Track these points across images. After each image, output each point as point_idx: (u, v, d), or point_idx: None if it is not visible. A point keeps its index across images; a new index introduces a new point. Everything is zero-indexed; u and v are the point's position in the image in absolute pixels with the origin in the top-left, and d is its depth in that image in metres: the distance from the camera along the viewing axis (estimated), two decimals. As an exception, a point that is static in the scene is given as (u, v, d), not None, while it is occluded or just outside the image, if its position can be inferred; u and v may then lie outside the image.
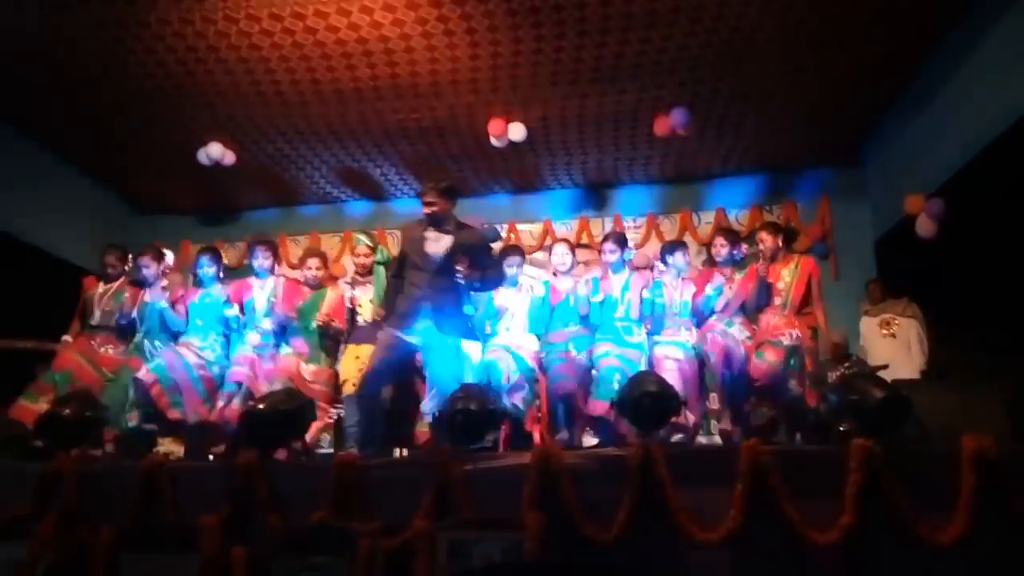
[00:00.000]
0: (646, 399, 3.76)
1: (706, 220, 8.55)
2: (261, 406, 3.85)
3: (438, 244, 4.51)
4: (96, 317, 5.56)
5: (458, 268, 4.41)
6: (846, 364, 6.13)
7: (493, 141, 7.35)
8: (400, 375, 4.90)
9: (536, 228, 8.83)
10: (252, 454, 3.55)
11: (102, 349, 5.53)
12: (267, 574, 3.24)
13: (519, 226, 8.82)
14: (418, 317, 4.40)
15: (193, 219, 9.33)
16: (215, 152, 7.46)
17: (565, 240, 6.11)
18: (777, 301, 5.19)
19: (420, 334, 4.42)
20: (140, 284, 5.69)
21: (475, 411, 3.70)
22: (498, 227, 8.72)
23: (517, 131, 7.24)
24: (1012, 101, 5.33)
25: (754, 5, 5.72)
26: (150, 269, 5.63)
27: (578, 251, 8.44)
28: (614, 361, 5.02)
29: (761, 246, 5.35)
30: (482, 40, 6.10)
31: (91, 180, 8.45)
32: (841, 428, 3.56)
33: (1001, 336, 5.20)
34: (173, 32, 5.91)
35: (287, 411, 3.85)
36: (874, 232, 8.04)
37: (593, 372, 5.18)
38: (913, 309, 6.33)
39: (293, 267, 8.73)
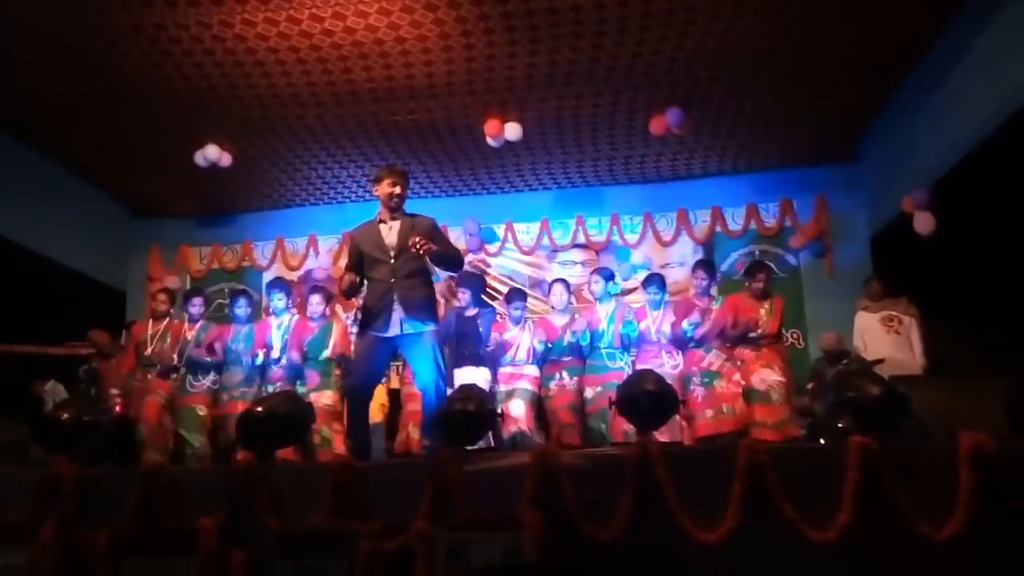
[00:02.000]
0: (644, 398, 3.76)
1: (703, 219, 8.56)
2: (259, 409, 3.85)
3: (392, 232, 4.51)
4: (148, 352, 6.25)
5: (416, 244, 4.33)
6: (844, 361, 6.15)
7: (490, 141, 7.35)
8: (382, 375, 4.94)
9: (533, 227, 8.83)
10: (250, 457, 3.56)
11: (156, 379, 6.22)
12: (266, 577, 3.24)
13: (516, 225, 8.82)
14: (391, 311, 4.35)
15: (192, 221, 9.31)
16: (212, 154, 7.45)
17: (562, 280, 6.63)
18: (752, 335, 5.77)
19: (396, 326, 4.37)
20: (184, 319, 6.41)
21: (474, 412, 3.71)
22: (494, 227, 8.76)
23: (513, 131, 7.24)
24: (1007, 96, 5.35)
25: (748, 5, 5.72)
26: (198, 309, 6.42)
27: (575, 251, 8.62)
28: (602, 402, 5.46)
29: (754, 285, 5.92)
30: (478, 43, 6.10)
31: (88, 184, 8.42)
32: (839, 425, 3.57)
33: (998, 333, 5.21)
34: (169, 37, 5.90)
35: (285, 415, 3.85)
36: (870, 229, 8.05)
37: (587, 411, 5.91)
38: (914, 309, 6.35)
39: (292, 268, 8.79)
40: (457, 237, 8.74)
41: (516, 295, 6.50)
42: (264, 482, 3.40)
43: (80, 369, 6.74)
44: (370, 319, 4.43)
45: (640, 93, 6.92)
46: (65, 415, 4.06)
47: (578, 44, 6.16)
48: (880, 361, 5.69)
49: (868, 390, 3.41)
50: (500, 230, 8.82)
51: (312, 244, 9.01)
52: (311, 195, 8.98)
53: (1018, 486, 2.93)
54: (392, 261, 4.43)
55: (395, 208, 4.55)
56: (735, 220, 8.51)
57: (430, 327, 4.45)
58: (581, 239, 8.71)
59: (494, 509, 3.15)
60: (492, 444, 5.35)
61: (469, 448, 3.66)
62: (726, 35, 6.07)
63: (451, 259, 4.73)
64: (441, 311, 6.53)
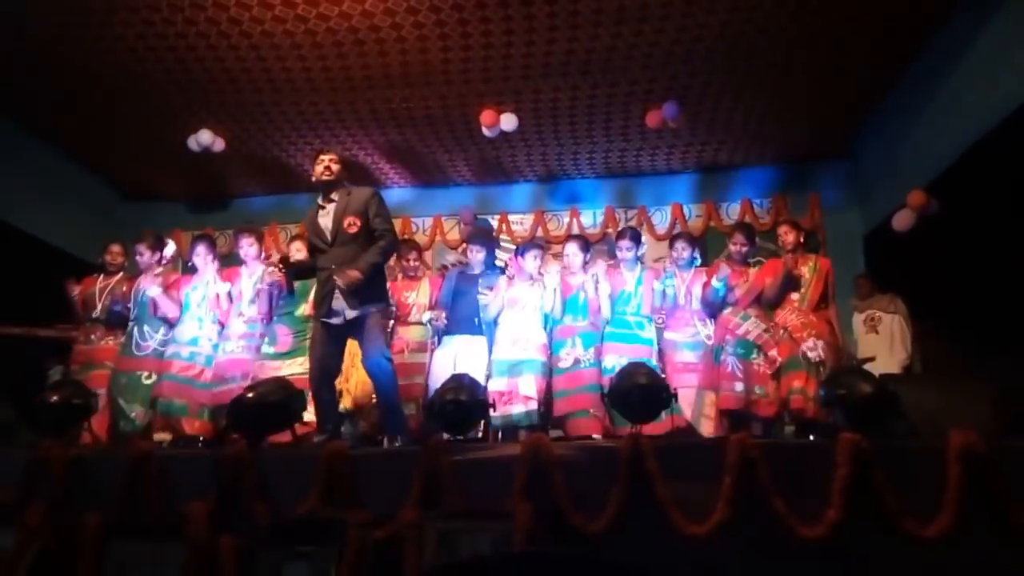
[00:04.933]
0: (636, 391, 3.78)
1: (696, 213, 8.57)
2: (250, 395, 3.85)
3: (328, 215, 4.41)
4: (98, 311, 5.66)
5: (348, 229, 4.28)
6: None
7: (485, 131, 7.32)
8: (339, 360, 4.68)
9: (527, 219, 8.82)
10: (241, 443, 3.55)
11: (102, 342, 5.64)
12: (255, 563, 3.24)
13: (510, 216, 8.81)
14: (331, 298, 4.26)
15: (184, 206, 9.26)
16: (205, 139, 7.40)
17: (578, 237, 6.13)
18: (794, 297, 5.18)
19: (339, 314, 4.29)
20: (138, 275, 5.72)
21: (465, 402, 3.72)
22: (489, 218, 8.75)
23: (509, 121, 7.22)
24: (1003, 96, 5.35)
25: (747, -1, 5.73)
26: (143, 257, 5.69)
27: (569, 243, 8.56)
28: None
29: (781, 240, 5.35)
30: (474, 31, 6.07)
31: (80, 166, 8.37)
32: (828, 422, 3.59)
33: (989, 332, 5.23)
34: (163, 18, 5.85)
35: (276, 402, 3.85)
36: (863, 227, 8.07)
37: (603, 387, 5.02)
38: (897, 304, 6.36)
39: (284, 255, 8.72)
40: (452, 227, 8.75)
41: (532, 245, 5.72)
42: (254, 469, 3.40)
43: (72, 350, 6.68)
44: (316, 306, 4.39)
45: (636, 86, 6.91)
46: (55, 397, 4.05)
47: (575, 35, 6.14)
48: (871, 359, 5.70)
49: (859, 388, 3.43)
50: (495, 220, 8.80)
51: (303, 231, 8.97)
52: (304, 182, 8.91)
53: (1005, 485, 2.95)
54: (330, 247, 4.34)
55: (328, 187, 4.43)
56: (729, 215, 8.51)
57: (375, 307, 4.36)
58: (575, 232, 8.70)
59: (484, 499, 3.15)
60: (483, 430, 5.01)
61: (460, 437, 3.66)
62: (724, 29, 6.06)
63: (378, 265, 4.41)
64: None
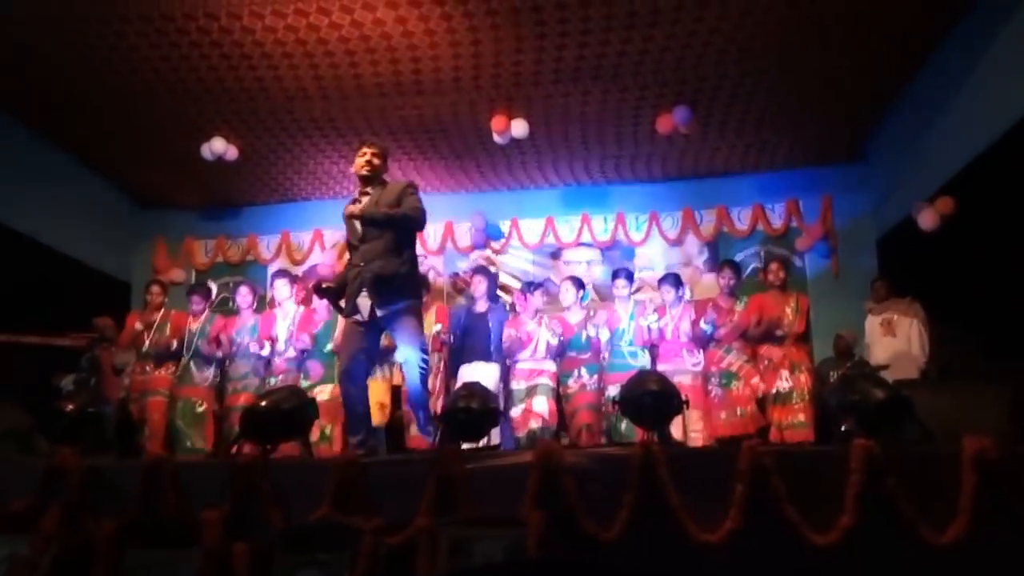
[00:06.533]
0: (647, 398, 3.77)
1: (708, 218, 8.55)
2: (263, 403, 3.86)
3: (359, 209, 4.36)
4: (146, 346, 6.47)
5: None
6: (848, 364, 6.14)
7: (496, 138, 7.34)
8: (371, 357, 4.62)
9: (538, 225, 8.81)
10: (254, 451, 3.57)
11: (156, 372, 6.43)
12: (268, 570, 3.25)
13: (521, 223, 8.82)
14: (358, 296, 4.20)
15: (197, 214, 9.31)
16: (218, 147, 7.45)
17: (572, 278, 6.65)
18: (779, 333, 5.90)
19: (366, 312, 4.23)
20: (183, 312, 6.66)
21: (476, 409, 3.72)
22: (499, 224, 8.76)
23: (520, 128, 7.23)
24: (1018, 99, 5.32)
25: (758, 3, 5.71)
26: (199, 306, 6.59)
27: (580, 249, 8.61)
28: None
29: (773, 276, 6.11)
30: (484, 38, 6.09)
31: (93, 174, 8.41)
32: (842, 428, 3.56)
33: (1003, 337, 5.20)
34: (176, 28, 5.90)
35: (288, 409, 3.85)
36: (877, 231, 8.03)
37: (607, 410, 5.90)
38: (915, 308, 6.32)
39: (297, 263, 8.78)
40: (463, 232, 8.77)
41: (537, 285, 6.57)
42: (267, 476, 3.41)
43: (82, 358, 6.75)
44: (348, 307, 4.30)
45: (647, 91, 6.90)
46: (70, 406, 4.08)
47: (585, 40, 6.15)
48: (885, 367, 5.68)
49: (872, 393, 3.41)
50: (506, 227, 8.81)
51: (317, 238, 9.01)
52: (316, 189, 8.98)
53: (1021, 491, 2.93)
54: (361, 243, 4.27)
55: (365, 181, 4.37)
56: (741, 220, 8.49)
57: (407, 302, 4.26)
58: (586, 238, 8.70)
59: (497, 506, 3.15)
60: (505, 445, 5.63)
61: (472, 445, 3.67)
62: (734, 34, 6.05)
63: (393, 220, 4.27)
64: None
